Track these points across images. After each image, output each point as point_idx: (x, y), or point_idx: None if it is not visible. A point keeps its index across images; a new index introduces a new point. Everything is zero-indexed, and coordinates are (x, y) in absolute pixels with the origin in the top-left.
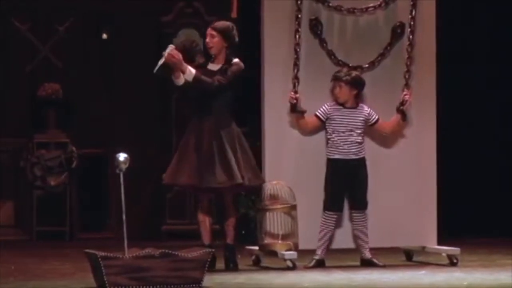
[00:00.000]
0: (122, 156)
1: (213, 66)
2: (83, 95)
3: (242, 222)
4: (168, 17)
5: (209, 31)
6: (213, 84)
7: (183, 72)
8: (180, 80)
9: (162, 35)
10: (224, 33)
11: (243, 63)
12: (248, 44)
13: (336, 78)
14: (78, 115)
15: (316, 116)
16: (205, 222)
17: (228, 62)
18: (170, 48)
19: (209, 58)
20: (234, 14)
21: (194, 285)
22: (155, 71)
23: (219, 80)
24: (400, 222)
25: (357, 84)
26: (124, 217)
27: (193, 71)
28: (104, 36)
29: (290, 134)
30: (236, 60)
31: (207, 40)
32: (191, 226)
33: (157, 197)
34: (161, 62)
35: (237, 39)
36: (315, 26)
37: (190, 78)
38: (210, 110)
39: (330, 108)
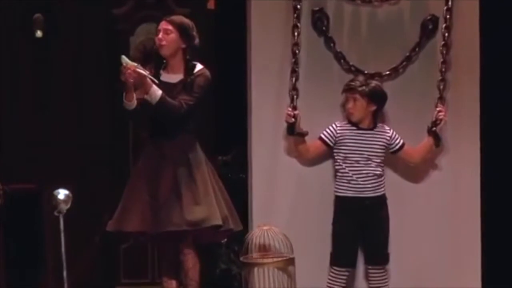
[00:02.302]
0: (62, 194)
1: (169, 77)
2: (11, 114)
3: (223, 280)
4: (122, 9)
5: (163, 25)
6: (180, 108)
7: (146, 92)
8: (132, 104)
9: (114, 33)
10: (182, 30)
11: (224, 71)
12: (231, 45)
13: (349, 89)
14: (5, 140)
15: (321, 139)
16: (171, 284)
17: (189, 70)
18: (125, 62)
19: (160, 65)
20: (211, 5)
21: None
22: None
23: (187, 102)
24: (431, 280)
25: (377, 98)
26: (65, 273)
27: (159, 92)
28: (39, 34)
29: (285, 163)
30: (199, 67)
31: (160, 36)
32: (153, 286)
33: (109, 248)
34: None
35: (197, 40)
36: (320, 21)
37: (154, 101)
38: (171, 132)
39: (339, 129)
